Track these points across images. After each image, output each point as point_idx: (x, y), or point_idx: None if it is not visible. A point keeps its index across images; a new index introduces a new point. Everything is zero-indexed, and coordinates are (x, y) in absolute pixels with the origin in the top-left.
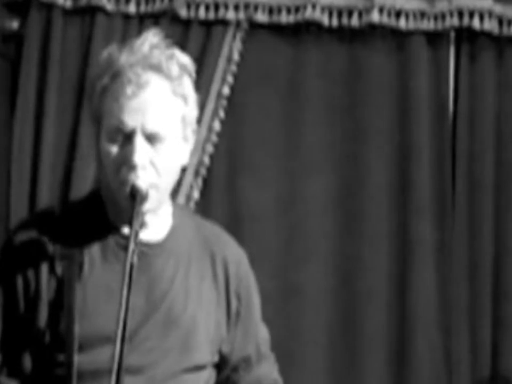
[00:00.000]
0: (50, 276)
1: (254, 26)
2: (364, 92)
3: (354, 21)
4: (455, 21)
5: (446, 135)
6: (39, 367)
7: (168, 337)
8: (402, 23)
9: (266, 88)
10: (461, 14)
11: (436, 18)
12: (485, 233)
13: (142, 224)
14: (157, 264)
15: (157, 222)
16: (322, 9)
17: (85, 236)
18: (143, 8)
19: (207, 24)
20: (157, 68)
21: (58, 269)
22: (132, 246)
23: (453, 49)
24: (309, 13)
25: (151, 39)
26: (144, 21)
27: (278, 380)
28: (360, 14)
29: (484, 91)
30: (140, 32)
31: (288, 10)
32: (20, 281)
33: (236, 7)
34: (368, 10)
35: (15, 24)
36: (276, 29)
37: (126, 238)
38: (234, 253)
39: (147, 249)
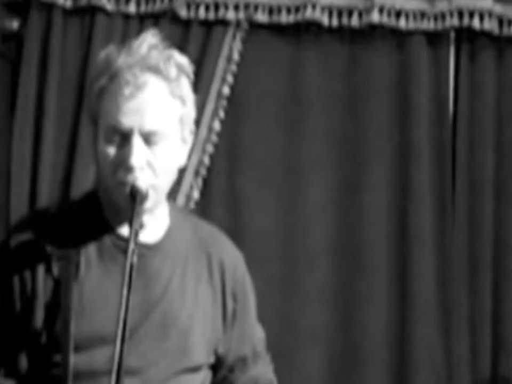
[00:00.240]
0: (47, 276)
1: (254, 26)
2: (364, 92)
3: (354, 21)
4: (455, 21)
5: (446, 135)
6: (35, 367)
7: (164, 338)
8: (402, 23)
9: (266, 88)
10: (461, 14)
11: (436, 18)
12: (485, 232)
13: (142, 225)
14: (154, 265)
15: (153, 223)
16: (322, 9)
17: (82, 237)
18: (143, 8)
19: (207, 24)
20: (154, 69)
21: (55, 269)
22: (131, 246)
23: (453, 49)
24: (309, 13)
25: (149, 40)
26: (144, 21)
27: (273, 380)
28: (360, 14)
29: (484, 91)
30: (139, 32)
31: (288, 10)
32: (16, 282)
33: (236, 7)
34: (368, 10)
35: (15, 24)
36: (276, 29)
37: (123, 239)
38: (230, 254)
39: (144, 250)
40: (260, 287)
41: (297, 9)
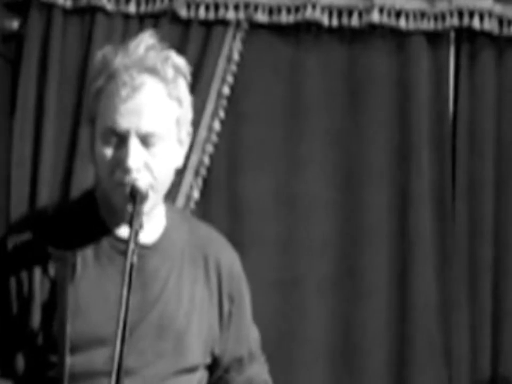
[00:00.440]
0: (44, 276)
1: (254, 26)
2: (364, 92)
3: (354, 21)
4: (455, 21)
5: (446, 135)
6: (32, 368)
7: (161, 339)
8: (402, 23)
9: (266, 88)
10: (461, 14)
11: (436, 18)
12: (485, 232)
13: (141, 225)
14: (150, 265)
15: (150, 224)
16: (322, 9)
17: (79, 237)
18: (143, 8)
19: (207, 24)
20: (152, 70)
21: (52, 270)
22: (132, 246)
23: (453, 49)
24: (309, 13)
25: (146, 40)
26: (144, 21)
27: (268, 380)
28: (360, 14)
29: (484, 91)
30: (139, 32)
31: (288, 10)
32: (13, 282)
33: (236, 7)
34: (368, 10)
35: (15, 24)
36: (276, 29)
37: (120, 240)
38: (227, 255)
39: (141, 251)
40: (258, 287)
41: (297, 9)
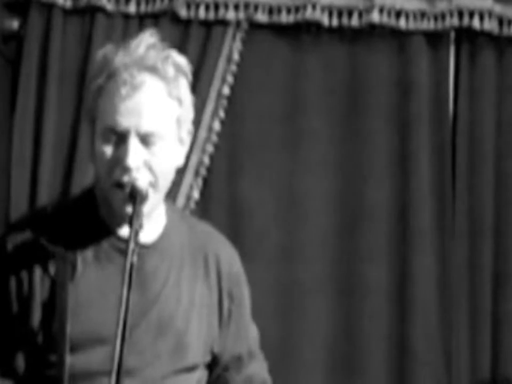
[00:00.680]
0: (44, 275)
1: (254, 26)
2: (364, 92)
3: (354, 21)
4: (455, 21)
5: (446, 135)
6: (31, 367)
7: (160, 338)
8: (402, 23)
9: (266, 88)
10: (461, 14)
11: (436, 18)
12: (485, 233)
13: (141, 225)
14: (150, 264)
15: (150, 223)
16: (322, 9)
17: (78, 237)
18: (143, 8)
19: (207, 24)
20: (152, 69)
21: (52, 269)
22: (132, 246)
23: (453, 49)
24: (309, 13)
25: (147, 39)
26: (144, 21)
27: (268, 378)
28: (360, 14)
29: (484, 91)
30: (139, 32)
31: (288, 10)
32: (13, 281)
33: (236, 7)
34: (368, 10)
35: (15, 24)
36: (276, 29)
37: (120, 239)
38: (226, 253)
39: (140, 250)
40: (258, 287)
41: (297, 9)
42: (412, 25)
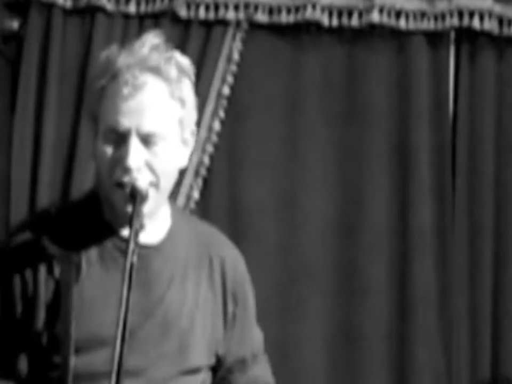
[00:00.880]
0: (48, 277)
1: (254, 26)
2: (364, 92)
3: (354, 21)
4: (455, 21)
5: (446, 135)
6: (35, 369)
7: (165, 340)
8: (402, 23)
9: (266, 88)
10: (461, 14)
11: (436, 18)
12: (485, 232)
13: (142, 225)
14: (154, 266)
15: (154, 225)
16: (322, 9)
17: (83, 238)
18: (143, 8)
19: (207, 24)
20: (155, 70)
21: (56, 271)
22: (131, 246)
23: (453, 49)
24: (309, 13)
25: (151, 40)
26: (144, 21)
27: (271, 382)
28: (360, 14)
29: (484, 91)
30: (140, 32)
31: (288, 10)
32: (17, 282)
33: (236, 7)
34: (368, 10)
35: (15, 24)
36: (276, 29)
37: (123, 239)
38: (231, 255)
39: (144, 252)
40: (258, 287)
41: (297, 9)
42: (412, 25)
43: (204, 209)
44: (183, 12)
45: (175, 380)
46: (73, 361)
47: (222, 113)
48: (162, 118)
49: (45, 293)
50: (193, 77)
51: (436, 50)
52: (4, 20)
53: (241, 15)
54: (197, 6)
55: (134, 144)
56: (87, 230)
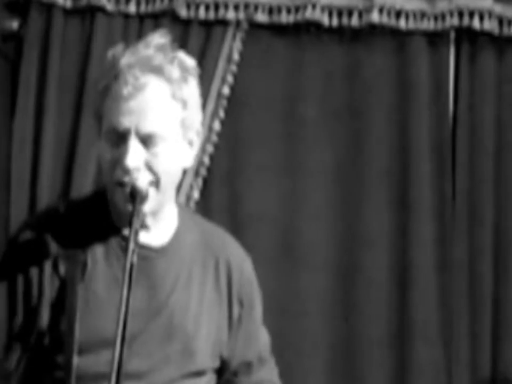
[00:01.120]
0: (53, 275)
1: (254, 26)
2: (364, 92)
3: (354, 21)
4: (455, 21)
5: (446, 135)
6: (38, 368)
7: (169, 342)
8: (402, 23)
9: (266, 88)
10: (461, 14)
11: (436, 18)
12: (486, 232)
13: (143, 225)
14: (160, 268)
15: (160, 226)
16: (322, 9)
17: (89, 237)
18: (143, 8)
19: (207, 24)
20: (157, 70)
21: (62, 269)
22: (131, 246)
23: (453, 49)
24: (309, 13)
25: (156, 40)
26: (144, 21)
27: None
28: (360, 14)
29: (484, 91)
30: (140, 32)
31: (288, 10)
32: (22, 280)
33: (236, 7)
34: (368, 10)
35: (15, 24)
36: (276, 29)
37: (125, 238)
38: (238, 257)
39: (150, 253)
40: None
41: (297, 9)
42: (412, 25)
43: (204, 209)
44: (183, 12)
45: (179, 382)
46: (76, 361)
47: (222, 113)
48: (163, 119)
49: (50, 290)
50: (197, 78)
51: (436, 50)
52: (4, 20)
53: (241, 15)
54: (197, 6)
55: (133, 145)
56: (94, 228)
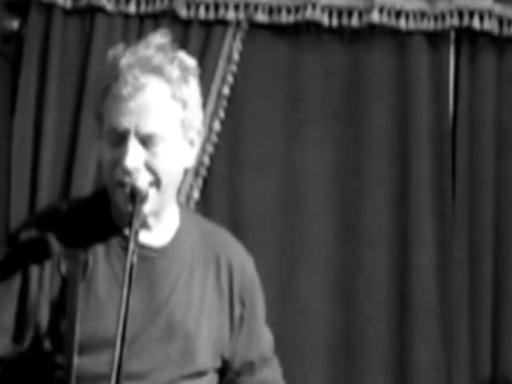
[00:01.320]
0: (55, 274)
1: (254, 26)
2: (364, 92)
3: (354, 21)
4: (455, 21)
5: (446, 135)
6: (38, 369)
7: (169, 343)
8: (402, 23)
9: (266, 88)
10: (461, 14)
11: (436, 18)
12: (486, 232)
13: (143, 225)
14: (160, 268)
15: (161, 226)
16: (322, 9)
17: (90, 236)
18: (143, 8)
19: (207, 24)
20: (157, 70)
21: (63, 268)
22: (131, 246)
23: (453, 49)
24: (309, 13)
25: (157, 40)
26: (144, 21)
27: None
28: (360, 14)
29: (484, 91)
30: (140, 32)
31: (288, 10)
32: (23, 276)
33: (236, 7)
34: (368, 10)
35: (15, 24)
36: (276, 29)
37: (126, 238)
38: (239, 257)
39: (150, 253)
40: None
41: (297, 9)
42: (412, 25)
43: (204, 209)
44: (183, 12)
45: (180, 382)
46: (76, 361)
47: (222, 113)
48: (163, 119)
49: (50, 287)
50: (197, 78)
51: (436, 50)
52: (4, 20)
53: (241, 15)
54: (197, 6)
55: (132, 145)
56: (95, 228)
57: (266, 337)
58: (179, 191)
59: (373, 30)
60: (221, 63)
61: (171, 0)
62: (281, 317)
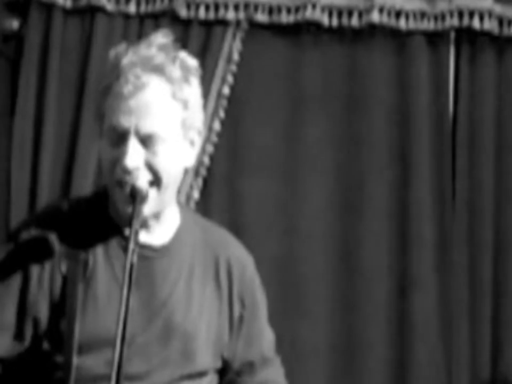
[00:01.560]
0: (54, 273)
1: (254, 26)
2: (364, 92)
3: (354, 21)
4: (455, 21)
5: (446, 135)
6: (38, 368)
7: (168, 343)
8: (402, 23)
9: (266, 88)
10: (461, 14)
11: (436, 18)
12: (485, 231)
13: (144, 224)
14: (160, 268)
15: (161, 226)
16: (322, 9)
17: (90, 236)
18: (143, 8)
19: (207, 24)
20: (158, 70)
21: (63, 268)
22: (131, 246)
23: (453, 49)
24: (309, 13)
25: (159, 40)
26: (144, 21)
27: None
28: (360, 14)
29: (484, 91)
30: (140, 32)
31: (288, 10)
32: (23, 274)
33: (236, 7)
34: (368, 10)
35: (15, 24)
36: (276, 29)
37: (126, 238)
38: (239, 257)
39: (150, 253)
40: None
41: (297, 9)
42: (412, 25)
43: (204, 209)
44: (183, 12)
45: (180, 383)
46: (75, 361)
47: (222, 113)
48: (163, 119)
49: (49, 287)
50: (199, 78)
51: (436, 50)
52: (4, 20)
53: (241, 15)
54: (197, 6)
55: (132, 145)
56: (95, 227)
57: (267, 337)
58: (179, 191)
59: (373, 30)
60: (221, 63)
61: (171, 0)
62: (281, 317)
